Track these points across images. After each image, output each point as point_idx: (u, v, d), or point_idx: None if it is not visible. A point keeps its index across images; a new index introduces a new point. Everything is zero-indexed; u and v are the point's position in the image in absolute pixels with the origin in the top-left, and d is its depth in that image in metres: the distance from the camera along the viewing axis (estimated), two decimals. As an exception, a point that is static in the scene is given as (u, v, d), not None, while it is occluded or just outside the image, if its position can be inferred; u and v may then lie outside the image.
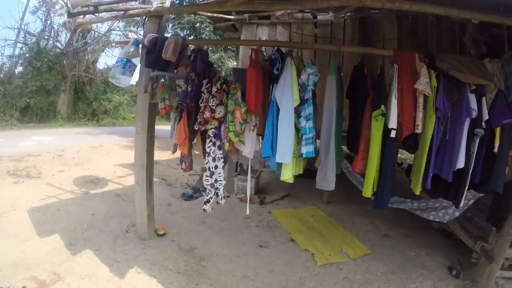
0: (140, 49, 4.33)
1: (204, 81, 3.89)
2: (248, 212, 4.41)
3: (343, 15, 6.05)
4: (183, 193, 7.60)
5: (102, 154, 10.34)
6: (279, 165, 3.59)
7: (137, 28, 17.74)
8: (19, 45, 18.88)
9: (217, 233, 5.36)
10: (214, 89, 3.76)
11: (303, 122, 3.53)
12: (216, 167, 3.99)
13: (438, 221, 4.24)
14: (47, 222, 4.76)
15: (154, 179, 7.98)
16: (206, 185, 4.00)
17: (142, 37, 4.33)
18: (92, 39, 20.55)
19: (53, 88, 18.13)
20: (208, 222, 5.97)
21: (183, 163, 4.32)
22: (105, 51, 21.68)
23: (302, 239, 5.24)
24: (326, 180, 3.82)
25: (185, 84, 3.84)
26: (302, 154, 3.56)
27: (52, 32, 19.18)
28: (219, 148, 3.95)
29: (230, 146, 3.85)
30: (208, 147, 3.92)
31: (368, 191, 3.60)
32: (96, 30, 20.55)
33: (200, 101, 3.80)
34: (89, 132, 14.73)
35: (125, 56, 4.24)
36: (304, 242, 5.11)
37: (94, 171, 8.33)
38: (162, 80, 4.14)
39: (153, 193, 4.87)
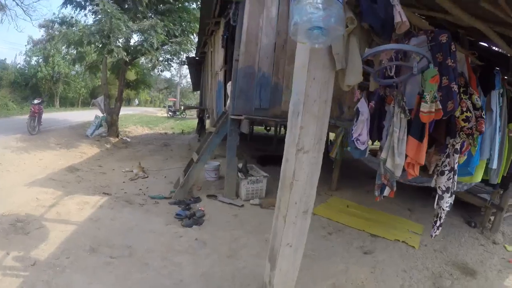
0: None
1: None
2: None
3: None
4: (178, 214, 4.47)
5: (-7, 168, 5.52)
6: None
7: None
8: None
9: (337, 262, 3.56)
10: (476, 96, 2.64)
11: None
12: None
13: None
14: None
15: (94, 196, 4.89)
16: (446, 207, 2.79)
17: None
18: None
19: None
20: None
21: (384, 188, 2.73)
22: None
23: (380, 231, 4.38)
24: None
25: (451, 81, 2.29)
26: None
27: None
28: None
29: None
30: (456, 162, 2.64)
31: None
32: None
33: (465, 109, 2.50)
34: None
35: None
36: (387, 234, 4.30)
37: (1, 204, 4.13)
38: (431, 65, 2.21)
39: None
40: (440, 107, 2.18)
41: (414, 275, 3.44)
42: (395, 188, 2.71)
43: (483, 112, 2.63)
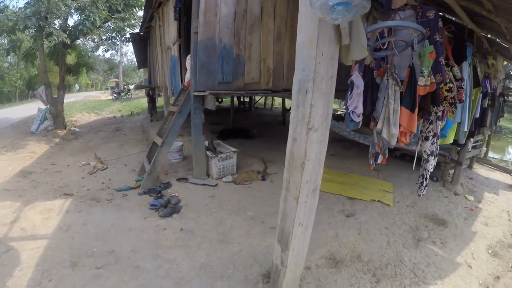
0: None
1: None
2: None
3: None
4: (153, 204, 4.20)
5: None
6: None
7: None
8: None
9: (326, 229, 3.64)
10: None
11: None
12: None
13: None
14: None
15: (56, 200, 4.39)
16: (431, 169, 3.07)
17: None
18: None
19: None
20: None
21: (378, 157, 2.89)
22: None
23: (355, 194, 4.56)
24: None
25: (440, 56, 2.41)
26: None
27: None
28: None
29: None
30: (439, 128, 2.88)
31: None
32: None
33: (448, 80, 2.63)
34: None
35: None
36: (362, 196, 4.49)
37: None
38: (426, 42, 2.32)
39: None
40: (434, 80, 2.27)
41: (396, 231, 3.67)
42: (387, 155, 2.79)
43: (463, 82, 2.78)
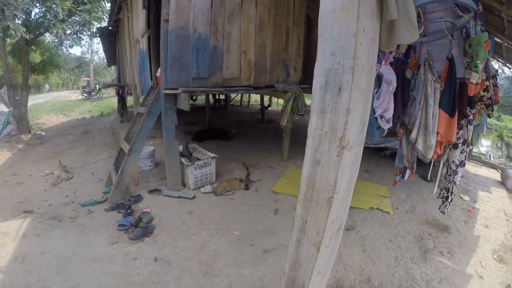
0: None
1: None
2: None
3: None
4: (121, 225, 3.46)
5: None
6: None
7: None
8: None
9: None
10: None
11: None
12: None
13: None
14: None
15: (14, 220, 3.59)
16: (458, 181, 2.54)
17: None
18: None
19: None
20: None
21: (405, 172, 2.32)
22: None
23: (352, 201, 3.83)
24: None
25: None
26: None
27: None
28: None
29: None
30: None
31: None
32: None
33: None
34: None
35: None
36: (360, 204, 3.91)
37: None
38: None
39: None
40: (484, 77, 1.73)
41: (401, 243, 3.15)
42: (414, 169, 2.19)
43: (497, 80, 2.22)
